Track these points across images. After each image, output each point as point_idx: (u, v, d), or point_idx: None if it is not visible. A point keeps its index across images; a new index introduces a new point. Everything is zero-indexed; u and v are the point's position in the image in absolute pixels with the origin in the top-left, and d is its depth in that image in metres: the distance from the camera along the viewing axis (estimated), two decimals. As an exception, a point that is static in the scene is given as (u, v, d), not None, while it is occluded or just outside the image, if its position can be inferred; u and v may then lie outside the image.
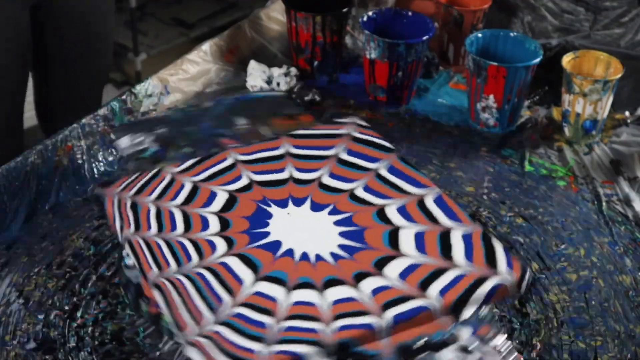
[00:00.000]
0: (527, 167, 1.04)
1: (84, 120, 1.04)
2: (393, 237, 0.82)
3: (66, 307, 0.83)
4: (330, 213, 0.85)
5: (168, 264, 0.80)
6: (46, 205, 0.96)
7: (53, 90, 1.45)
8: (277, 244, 0.81)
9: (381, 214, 0.85)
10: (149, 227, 0.84)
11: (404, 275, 0.78)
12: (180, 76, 1.16)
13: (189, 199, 0.87)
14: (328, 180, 0.89)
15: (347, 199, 0.87)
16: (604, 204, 0.99)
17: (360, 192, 0.88)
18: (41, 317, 0.82)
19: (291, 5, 1.18)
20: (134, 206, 0.86)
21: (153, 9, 2.71)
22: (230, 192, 0.88)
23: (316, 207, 0.86)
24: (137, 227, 0.84)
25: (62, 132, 1.01)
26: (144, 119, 1.08)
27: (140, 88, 1.11)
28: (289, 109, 1.10)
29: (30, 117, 1.49)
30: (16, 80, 1.35)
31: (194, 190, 0.88)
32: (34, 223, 0.93)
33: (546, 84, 1.17)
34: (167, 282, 0.78)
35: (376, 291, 0.76)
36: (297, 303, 0.75)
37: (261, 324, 0.73)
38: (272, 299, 0.75)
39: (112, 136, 1.03)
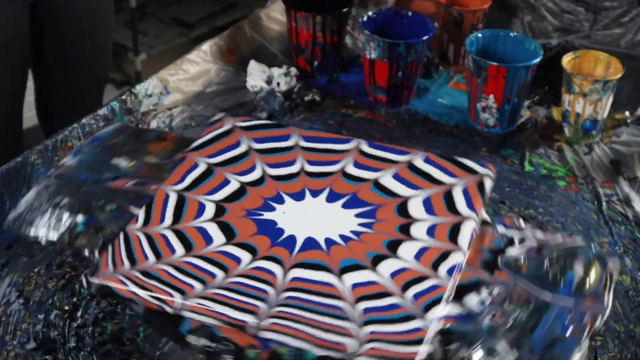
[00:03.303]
0: (527, 167, 1.04)
1: (84, 120, 1.04)
2: (402, 208, 0.81)
3: (66, 307, 0.83)
4: (327, 200, 0.82)
5: (192, 286, 0.73)
6: (46, 206, 0.95)
7: (53, 90, 1.45)
8: (292, 239, 0.78)
9: (379, 185, 0.84)
10: (146, 258, 0.76)
11: (418, 256, 0.76)
12: (180, 76, 1.16)
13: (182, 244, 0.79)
14: (309, 167, 0.86)
15: (341, 178, 0.85)
16: (604, 204, 0.99)
17: (352, 170, 0.86)
18: (41, 317, 0.82)
19: (291, 5, 1.18)
20: (146, 273, 0.76)
21: (153, 9, 2.71)
22: (216, 202, 0.82)
23: (313, 193, 0.83)
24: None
25: (62, 132, 1.01)
26: (25, 203, 0.85)
27: (140, 88, 1.11)
28: (145, 135, 0.96)
29: (30, 117, 1.49)
30: (16, 80, 1.35)
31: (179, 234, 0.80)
32: (33, 223, 0.93)
33: (546, 84, 1.17)
34: (202, 301, 0.72)
35: (395, 274, 0.74)
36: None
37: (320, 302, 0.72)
38: (319, 283, 0.73)
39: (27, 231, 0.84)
